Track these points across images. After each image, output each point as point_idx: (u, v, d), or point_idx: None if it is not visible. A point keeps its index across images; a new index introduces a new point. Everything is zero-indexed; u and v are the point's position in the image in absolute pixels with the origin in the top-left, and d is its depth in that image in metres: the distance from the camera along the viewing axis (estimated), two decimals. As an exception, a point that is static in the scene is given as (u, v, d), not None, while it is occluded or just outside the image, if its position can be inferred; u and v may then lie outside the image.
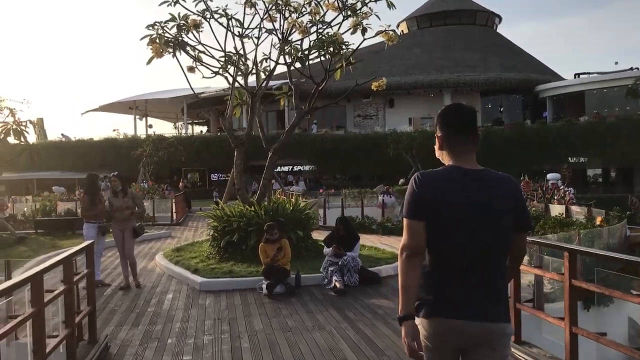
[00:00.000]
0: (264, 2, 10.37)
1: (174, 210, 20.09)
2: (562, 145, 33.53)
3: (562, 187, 19.66)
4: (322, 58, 10.50)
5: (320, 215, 16.49)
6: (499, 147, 31.32)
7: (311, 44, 10.32)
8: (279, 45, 10.66)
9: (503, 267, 2.45)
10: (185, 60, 11.60)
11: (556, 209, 15.15)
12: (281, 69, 12.14)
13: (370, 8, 9.90)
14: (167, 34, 9.85)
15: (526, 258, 4.64)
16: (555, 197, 17.45)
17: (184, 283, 8.55)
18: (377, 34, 9.74)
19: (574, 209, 14.89)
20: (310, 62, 10.82)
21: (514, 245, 2.46)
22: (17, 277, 3.72)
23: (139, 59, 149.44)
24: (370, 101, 40.32)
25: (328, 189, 28.63)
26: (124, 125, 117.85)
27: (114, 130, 39.28)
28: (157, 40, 9.70)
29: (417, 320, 2.39)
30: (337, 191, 25.88)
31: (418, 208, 2.38)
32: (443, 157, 2.55)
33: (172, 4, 9.91)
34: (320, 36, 10.25)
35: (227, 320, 6.39)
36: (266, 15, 10.49)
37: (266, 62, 11.07)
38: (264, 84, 11.22)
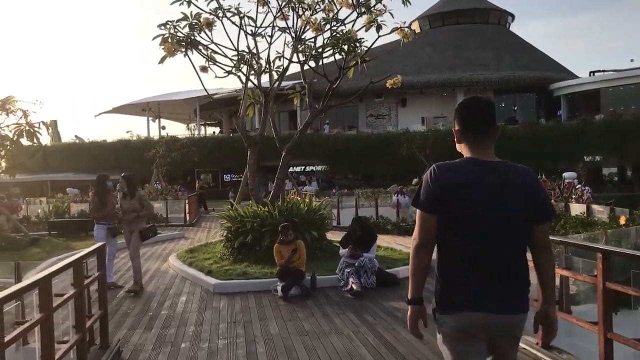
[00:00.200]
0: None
1: (187, 211, 20.04)
2: (577, 143, 33.04)
3: (578, 186, 19.31)
4: (337, 56, 10.36)
5: (334, 216, 16.30)
6: (513, 146, 30.84)
7: (325, 41, 10.19)
8: (292, 43, 10.53)
9: (522, 258, 2.44)
10: (198, 60, 11.54)
11: (576, 208, 14.80)
12: (293, 69, 12.02)
13: (384, 5, 9.74)
14: (179, 33, 9.78)
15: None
16: (573, 196, 17.13)
17: (198, 285, 8.42)
18: (392, 31, 9.59)
19: (596, 207, 14.53)
20: (324, 60, 10.69)
21: (534, 236, 2.44)
22: (24, 282, 3.59)
23: (152, 60, 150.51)
24: (383, 101, 39.98)
25: (340, 189, 28.43)
26: (137, 127, 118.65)
27: (127, 132, 39.29)
28: (170, 40, 9.63)
29: (442, 317, 2.43)
30: (350, 191, 25.67)
31: (431, 201, 2.41)
32: (462, 150, 2.56)
33: (185, 3, 9.83)
34: (335, 34, 10.11)
35: (242, 323, 6.23)
36: (279, 13, 10.37)
37: (279, 60, 10.97)
38: (276, 84, 11.09)
